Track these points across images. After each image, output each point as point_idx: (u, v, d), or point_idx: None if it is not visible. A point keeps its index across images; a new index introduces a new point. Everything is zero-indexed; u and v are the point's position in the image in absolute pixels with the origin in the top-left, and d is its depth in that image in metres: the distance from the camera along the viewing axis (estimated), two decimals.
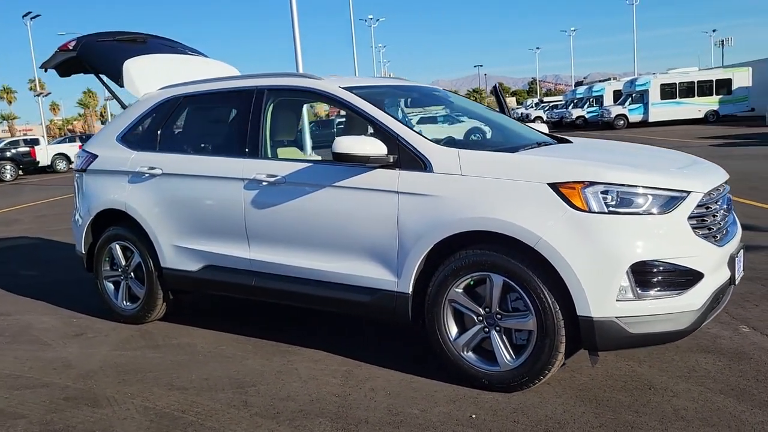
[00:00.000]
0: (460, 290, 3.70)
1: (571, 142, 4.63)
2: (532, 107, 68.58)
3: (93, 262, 5.44)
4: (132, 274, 5.22)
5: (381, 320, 4.12)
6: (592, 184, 3.37)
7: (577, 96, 49.69)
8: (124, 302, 5.29)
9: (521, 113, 60.88)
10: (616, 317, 3.30)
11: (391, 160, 3.88)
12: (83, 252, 5.47)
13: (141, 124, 5.25)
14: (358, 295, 4.02)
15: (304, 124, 5.65)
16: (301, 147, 5.43)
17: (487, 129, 5.24)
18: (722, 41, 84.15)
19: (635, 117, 39.01)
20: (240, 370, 4.19)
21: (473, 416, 3.37)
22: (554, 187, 3.42)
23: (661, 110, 38.42)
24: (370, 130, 4.15)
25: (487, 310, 3.64)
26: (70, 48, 5.62)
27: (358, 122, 5.30)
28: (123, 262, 5.24)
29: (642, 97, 39.15)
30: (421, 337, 4.44)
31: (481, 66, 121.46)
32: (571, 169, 3.45)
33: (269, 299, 4.53)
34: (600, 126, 40.74)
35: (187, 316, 5.38)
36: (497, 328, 3.62)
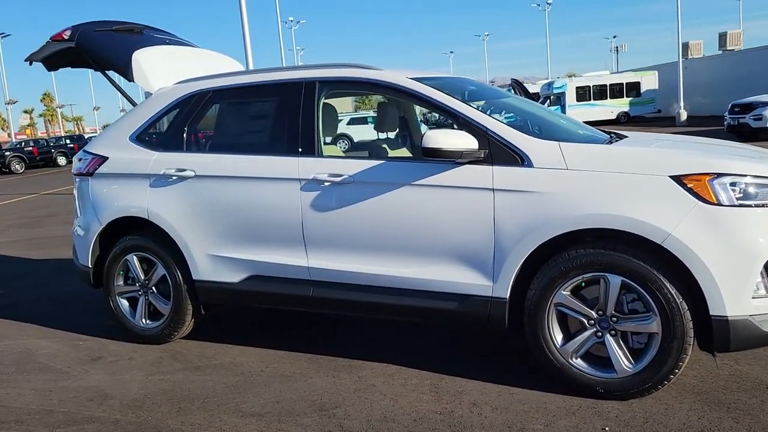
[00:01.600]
0: (568, 293, 3.45)
1: (628, 137, 4.47)
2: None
3: (102, 277, 4.86)
4: (154, 288, 4.68)
5: (468, 328, 3.82)
6: (719, 175, 3.20)
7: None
8: (144, 320, 4.74)
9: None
10: (751, 315, 3.14)
11: (482, 156, 3.60)
12: (89, 266, 4.87)
13: (160, 122, 4.73)
14: (444, 303, 3.72)
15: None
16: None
17: (539, 123, 5.01)
18: (617, 47, 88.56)
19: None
20: (310, 389, 3.79)
21: (606, 429, 3.13)
22: (678, 179, 3.23)
23: (576, 111, 39.58)
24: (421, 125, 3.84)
25: (600, 313, 3.41)
26: (65, 38, 5.01)
27: (391, 116, 5.01)
28: (141, 276, 4.69)
29: (559, 100, 40.35)
30: (488, 341, 4.18)
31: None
32: (696, 161, 3.27)
33: (329, 310, 4.13)
34: None
35: (208, 331, 4.88)
36: (612, 331, 3.40)
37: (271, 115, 4.41)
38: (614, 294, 3.34)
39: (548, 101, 40.46)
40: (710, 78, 39.88)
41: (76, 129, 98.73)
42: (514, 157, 3.55)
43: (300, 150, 4.09)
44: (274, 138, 4.32)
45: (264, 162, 4.18)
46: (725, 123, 20.60)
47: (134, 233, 4.71)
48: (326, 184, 3.96)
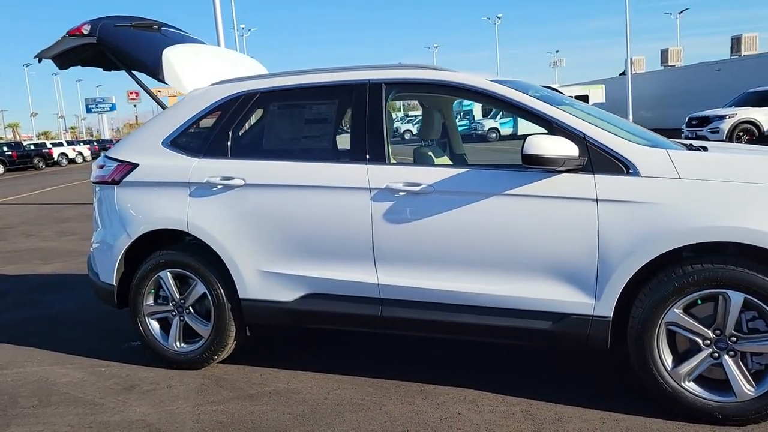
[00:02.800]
0: (681, 311, 3.22)
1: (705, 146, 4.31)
2: (398, 121, 69.82)
3: (127, 297, 4.40)
4: (190, 308, 4.25)
5: (564, 349, 3.56)
6: None
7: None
8: (178, 343, 4.30)
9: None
10: None
11: (582, 163, 3.35)
12: (113, 284, 4.40)
13: (198, 126, 4.32)
14: (536, 322, 3.44)
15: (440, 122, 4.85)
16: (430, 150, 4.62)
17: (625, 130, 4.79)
18: (554, 62, 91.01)
19: (506, 130, 40.82)
20: (390, 419, 3.45)
21: None
22: None
23: (528, 123, 40.17)
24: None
25: (717, 332, 3.19)
26: (84, 32, 4.55)
27: (437, 123, 4.73)
28: (176, 295, 4.26)
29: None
30: (563, 359, 3.93)
31: None
32: None
33: (399, 330, 3.80)
34: (474, 139, 41.93)
35: (246, 354, 4.47)
36: (731, 352, 3.18)
37: (331, 119, 4.07)
38: (735, 312, 3.13)
39: (501, 113, 40.98)
40: (653, 92, 41.10)
41: (12, 136, 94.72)
42: (617, 166, 3.31)
43: (368, 157, 3.76)
44: (336, 144, 3.98)
45: (326, 170, 3.83)
46: (683, 135, 21.09)
47: (168, 247, 4.27)
48: (401, 193, 3.64)
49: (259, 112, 4.29)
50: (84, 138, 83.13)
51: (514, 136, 40.08)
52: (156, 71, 4.45)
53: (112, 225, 4.37)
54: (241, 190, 3.99)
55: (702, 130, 20.80)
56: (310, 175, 3.85)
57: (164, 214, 4.17)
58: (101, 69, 5.20)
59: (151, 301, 4.35)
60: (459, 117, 46.88)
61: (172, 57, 4.47)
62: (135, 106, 72.68)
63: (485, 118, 42.45)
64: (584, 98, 40.53)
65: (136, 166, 4.30)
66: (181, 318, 4.28)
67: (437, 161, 4.54)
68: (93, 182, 4.55)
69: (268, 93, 4.17)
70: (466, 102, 48.71)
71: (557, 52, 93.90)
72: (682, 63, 44.75)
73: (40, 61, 4.83)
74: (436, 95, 4.61)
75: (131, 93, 59.60)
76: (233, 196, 4.01)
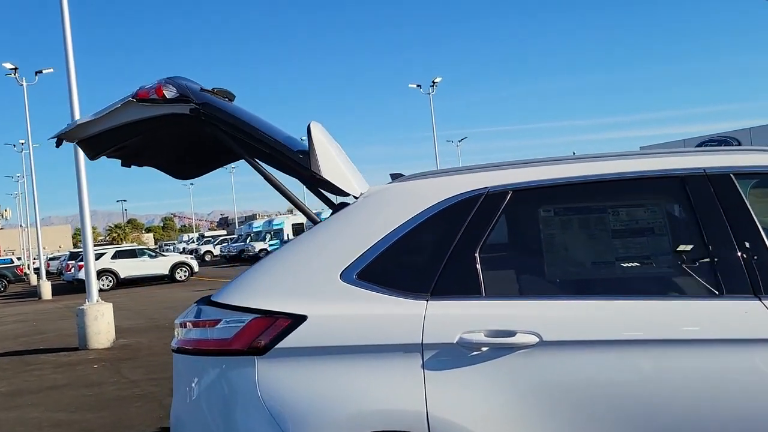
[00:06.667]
0: None
1: None
2: (193, 242, 66.32)
3: None
4: None
5: None
6: None
7: (254, 230, 49.49)
8: None
9: (183, 248, 58.28)
10: None
11: None
12: None
13: (407, 245, 2.59)
14: None
15: None
16: None
17: None
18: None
19: None
20: None
21: None
22: None
23: None
24: None
25: None
26: (168, 96, 2.71)
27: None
28: None
29: (278, 234, 41.85)
30: None
31: (125, 201, 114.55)
32: None
33: None
34: None
35: None
36: None
37: (661, 228, 2.60)
38: None
39: (269, 235, 41.20)
40: None
41: None
42: None
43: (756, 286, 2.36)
44: (683, 266, 2.51)
45: (692, 312, 2.36)
46: None
47: None
48: None
49: (513, 220, 2.69)
50: None
51: None
52: (303, 160, 2.70)
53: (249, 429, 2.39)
54: (532, 354, 2.33)
55: None
56: (672, 323, 2.33)
57: (374, 406, 2.35)
58: (125, 164, 3.31)
59: None
60: (269, 236, 45.68)
61: (325, 141, 2.76)
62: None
63: (255, 240, 42.15)
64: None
65: (301, 319, 2.44)
66: None
67: None
68: (185, 352, 2.57)
69: (529, 191, 2.61)
70: (276, 221, 48.21)
71: (462, 140, 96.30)
72: None
73: (58, 144, 2.84)
74: None
75: None
76: (517, 365, 2.34)
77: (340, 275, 2.54)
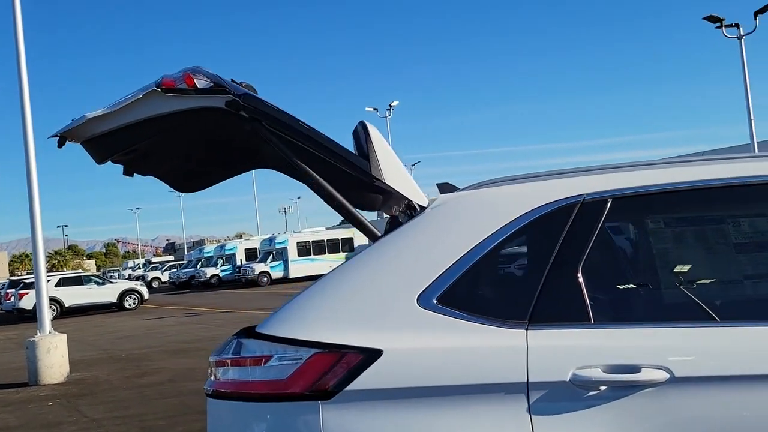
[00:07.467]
0: None
1: None
2: (139, 268, 64.27)
3: None
4: None
5: None
6: None
7: (205, 255, 48.12)
8: None
9: (129, 275, 56.31)
10: None
11: None
12: None
13: (494, 264, 2.17)
14: None
15: None
16: None
17: None
18: (285, 209, 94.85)
19: (277, 273, 39.43)
20: None
21: None
22: None
23: (299, 266, 39.30)
24: None
25: None
26: (198, 86, 2.26)
27: None
28: None
29: (282, 254, 39.73)
30: None
31: (66, 226, 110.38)
32: None
33: None
34: (243, 284, 39.49)
35: None
36: None
37: None
38: None
39: (271, 256, 39.61)
40: None
41: None
42: None
43: None
44: None
45: None
46: None
47: None
48: None
49: (615, 233, 2.30)
50: None
51: (285, 279, 38.67)
52: (365, 165, 2.27)
53: None
54: (661, 393, 1.92)
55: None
56: None
57: None
58: (127, 173, 2.83)
59: None
60: (221, 262, 44.51)
61: (384, 144, 2.35)
62: None
63: (256, 262, 40.52)
64: (349, 240, 40.83)
65: (375, 354, 1.98)
66: None
67: None
68: (224, 396, 2.09)
69: (631, 198, 2.23)
70: (228, 245, 47.07)
71: (299, 198, 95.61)
72: None
73: (61, 144, 2.34)
74: None
75: None
76: (643, 407, 1.92)
77: (417, 300, 2.10)
